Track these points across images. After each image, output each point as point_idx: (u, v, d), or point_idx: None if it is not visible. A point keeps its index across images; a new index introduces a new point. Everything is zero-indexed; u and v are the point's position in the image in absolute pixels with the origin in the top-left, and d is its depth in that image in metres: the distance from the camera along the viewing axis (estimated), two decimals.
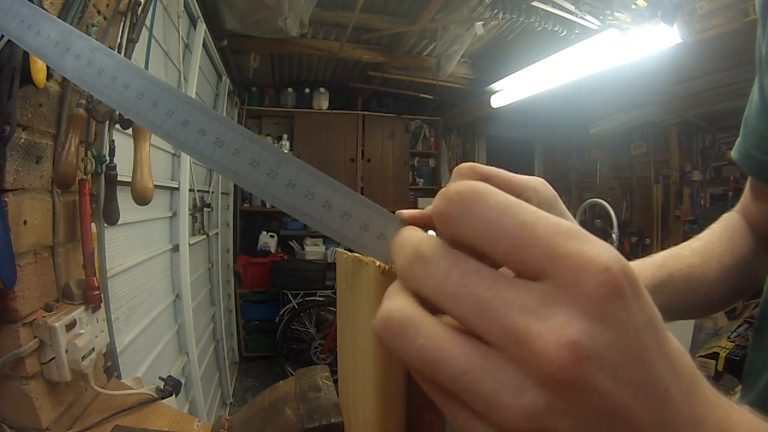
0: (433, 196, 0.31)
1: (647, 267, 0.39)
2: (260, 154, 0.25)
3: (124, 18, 0.98)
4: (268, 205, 4.09)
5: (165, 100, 0.26)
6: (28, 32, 0.30)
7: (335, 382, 0.53)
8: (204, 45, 2.18)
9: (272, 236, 4.01)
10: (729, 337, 2.58)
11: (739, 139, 0.51)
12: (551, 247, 0.15)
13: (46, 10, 0.31)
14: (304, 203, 0.25)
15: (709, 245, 0.48)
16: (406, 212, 0.27)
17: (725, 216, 0.54)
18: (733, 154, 0.51)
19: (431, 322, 0.16)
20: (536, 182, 0.27)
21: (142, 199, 0.91)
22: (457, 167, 0.28)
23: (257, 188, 0.25)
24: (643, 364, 0.14)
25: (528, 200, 0.26)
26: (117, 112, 0.93)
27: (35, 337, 0.71)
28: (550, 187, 0.28)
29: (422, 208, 0.27)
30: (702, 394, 0.16)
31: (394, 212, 0.27)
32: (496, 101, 3.50)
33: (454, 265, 0.16)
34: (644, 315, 0.15)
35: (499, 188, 0.27)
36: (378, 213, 0.25)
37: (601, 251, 0.14)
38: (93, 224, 0.90)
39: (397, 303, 0.17)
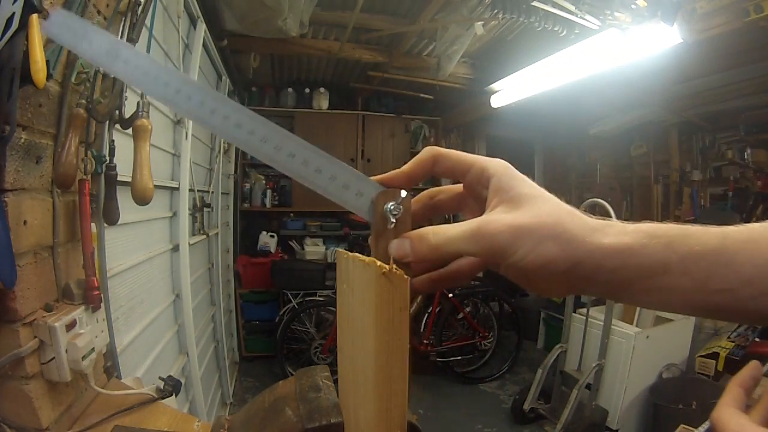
0: None
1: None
2: (269, 133, 0.32)
3: (124, 18, 0.98)
4: (268, 205, 4.10)
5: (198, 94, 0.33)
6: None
7: (335, 382, 0.53)
8: (204, 45, 2.17)
9: (272, 236, 4.00)
10: (729, 337, 2.58)
11: None
12: None
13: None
14: (300, 169, 0.32)
15: None
16: (377, 177, 0.33)
17: None
18: None
19: None
20: (483, 162, 0.32)
21: (142, 199, 0.91)
22: (424, 149, 0.34)
23: (268, 159, 0.32)
24: None
25: (477, 176, 0.32)
26: (117, 112, 0.93)
27: (35, 337, 0.71)
28: (498, 161, 0.32)
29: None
30: None
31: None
32: (496, 101, 3.50)
33: None
34: None
35: (451, 166, 0.33)
36: (357, 177, 0.32)
37: None
38: (93, 224, 0.90)
39: None
